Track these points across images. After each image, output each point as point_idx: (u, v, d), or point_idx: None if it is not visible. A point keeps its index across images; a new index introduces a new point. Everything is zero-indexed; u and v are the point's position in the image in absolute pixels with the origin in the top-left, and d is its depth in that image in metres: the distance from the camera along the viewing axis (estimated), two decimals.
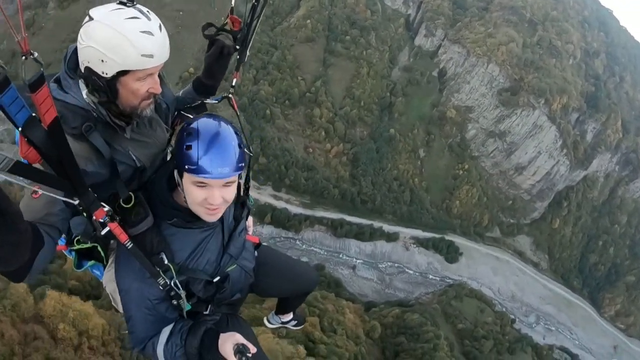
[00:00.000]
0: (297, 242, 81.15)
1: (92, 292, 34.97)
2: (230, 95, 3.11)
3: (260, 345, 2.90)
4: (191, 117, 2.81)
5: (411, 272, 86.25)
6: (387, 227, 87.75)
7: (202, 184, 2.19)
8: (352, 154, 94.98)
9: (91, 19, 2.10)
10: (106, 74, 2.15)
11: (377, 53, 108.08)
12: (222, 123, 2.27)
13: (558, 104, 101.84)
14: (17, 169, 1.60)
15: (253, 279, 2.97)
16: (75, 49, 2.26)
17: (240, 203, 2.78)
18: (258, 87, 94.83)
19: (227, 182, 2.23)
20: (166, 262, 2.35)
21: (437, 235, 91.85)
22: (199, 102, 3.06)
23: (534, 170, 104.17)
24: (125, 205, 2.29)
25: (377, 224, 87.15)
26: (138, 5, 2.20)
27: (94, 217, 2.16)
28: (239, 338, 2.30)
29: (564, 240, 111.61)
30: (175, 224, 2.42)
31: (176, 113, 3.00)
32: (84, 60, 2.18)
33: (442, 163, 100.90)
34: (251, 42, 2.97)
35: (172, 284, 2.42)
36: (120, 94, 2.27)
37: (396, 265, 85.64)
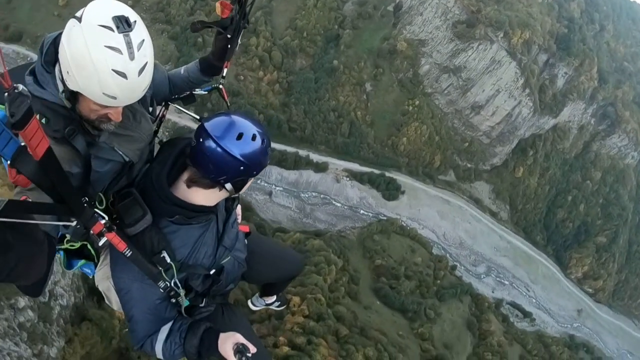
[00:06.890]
0: None
1: None
2: (220, 86, 3.07)
3: (257, 335, 2.99)
4: (180, 108, 2.87)
5: (339, 204, 77.81)
6: (317, 157, 79.47)
7: None
8: (287, 83, 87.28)
9: (79, 20, 1.83)
10: (67, 83, 1.95)
11: None
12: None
13: (519, 38, 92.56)
14: (10, 210, 1.41)
15: (246, 268, 2.90)
16: (54, 40, 2.04)
17: None
18: (194, 18, 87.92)
19: None
20: (168, 260, 2.26)
21: (376, 171, 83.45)
22: (187, 93, 2.97)
23: (492, 110, 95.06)
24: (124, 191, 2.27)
25: (303, 152, 79.02)
26: (133, 33, 1.86)
27: (92, 232, 2.06)
28: (238, 338, 2.27)
29: (528, 191, 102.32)
30: (177, 221, 2.30)
31: (163, 103, 2.84)
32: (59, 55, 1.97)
33: (391, 98, 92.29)
34: (242, 30, 2.74)
35: (173, 283, 2.33)
36: (79, 104, 2.06)
37: (322, 196, 77.30)
